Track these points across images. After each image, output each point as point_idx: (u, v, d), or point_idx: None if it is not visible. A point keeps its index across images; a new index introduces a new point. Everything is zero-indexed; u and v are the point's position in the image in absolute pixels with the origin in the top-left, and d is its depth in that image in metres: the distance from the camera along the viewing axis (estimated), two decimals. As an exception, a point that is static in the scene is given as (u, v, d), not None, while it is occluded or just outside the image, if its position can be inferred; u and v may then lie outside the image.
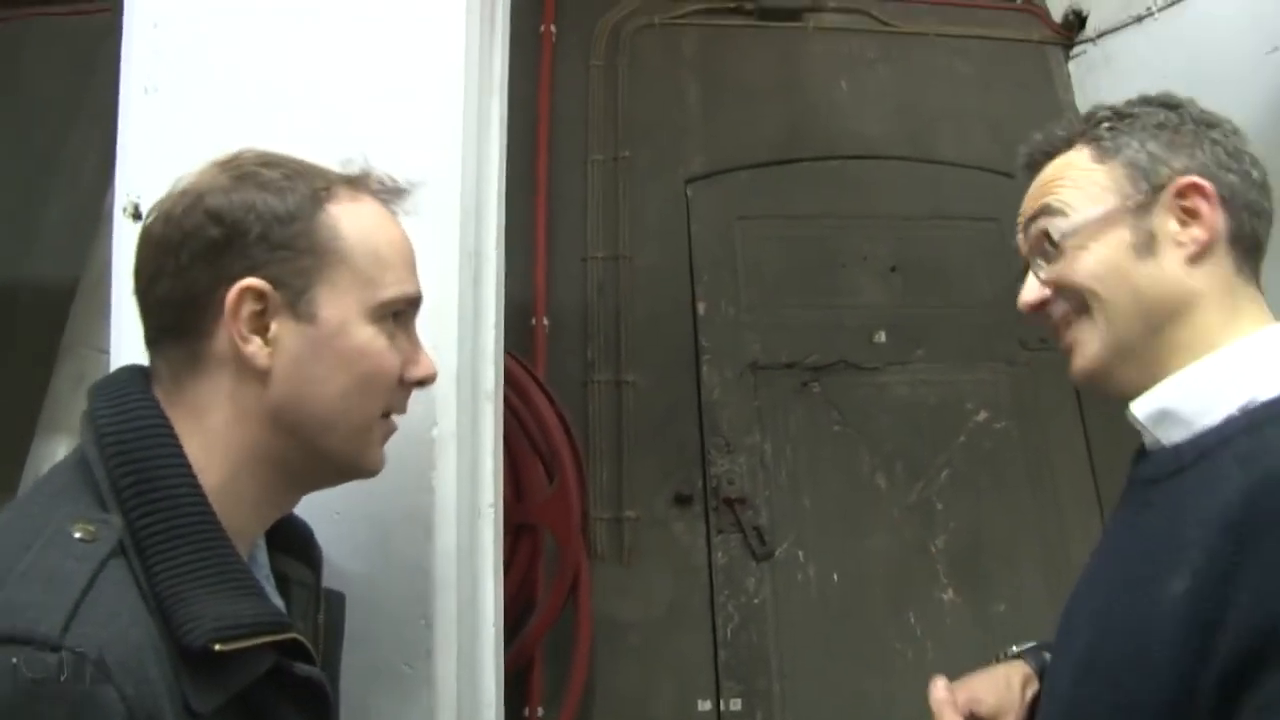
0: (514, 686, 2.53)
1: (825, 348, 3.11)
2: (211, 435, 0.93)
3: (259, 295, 0.92)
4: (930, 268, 3.26)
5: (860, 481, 3.01)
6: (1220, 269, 1.06)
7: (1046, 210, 1.11)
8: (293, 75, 1.35)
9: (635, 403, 3.04)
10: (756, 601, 2.88)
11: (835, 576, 2.91)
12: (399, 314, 1.03)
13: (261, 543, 1.05)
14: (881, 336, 3.14)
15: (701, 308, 3.17)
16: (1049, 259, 1.11)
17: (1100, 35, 3.56)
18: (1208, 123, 1.11)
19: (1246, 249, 1.08)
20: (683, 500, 2.96)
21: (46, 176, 3.20)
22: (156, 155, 1.32)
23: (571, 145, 3.34)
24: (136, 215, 1.30)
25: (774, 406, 3.09)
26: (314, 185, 0.97)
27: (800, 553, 2.92)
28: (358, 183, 1.02)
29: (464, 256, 1.36)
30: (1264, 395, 0.96)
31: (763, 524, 2.92)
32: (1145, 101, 1.14)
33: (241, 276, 0.92)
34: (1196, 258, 1.05)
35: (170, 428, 0.90)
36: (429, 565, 1.26)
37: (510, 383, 2.36)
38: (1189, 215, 1.05)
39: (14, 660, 0.70)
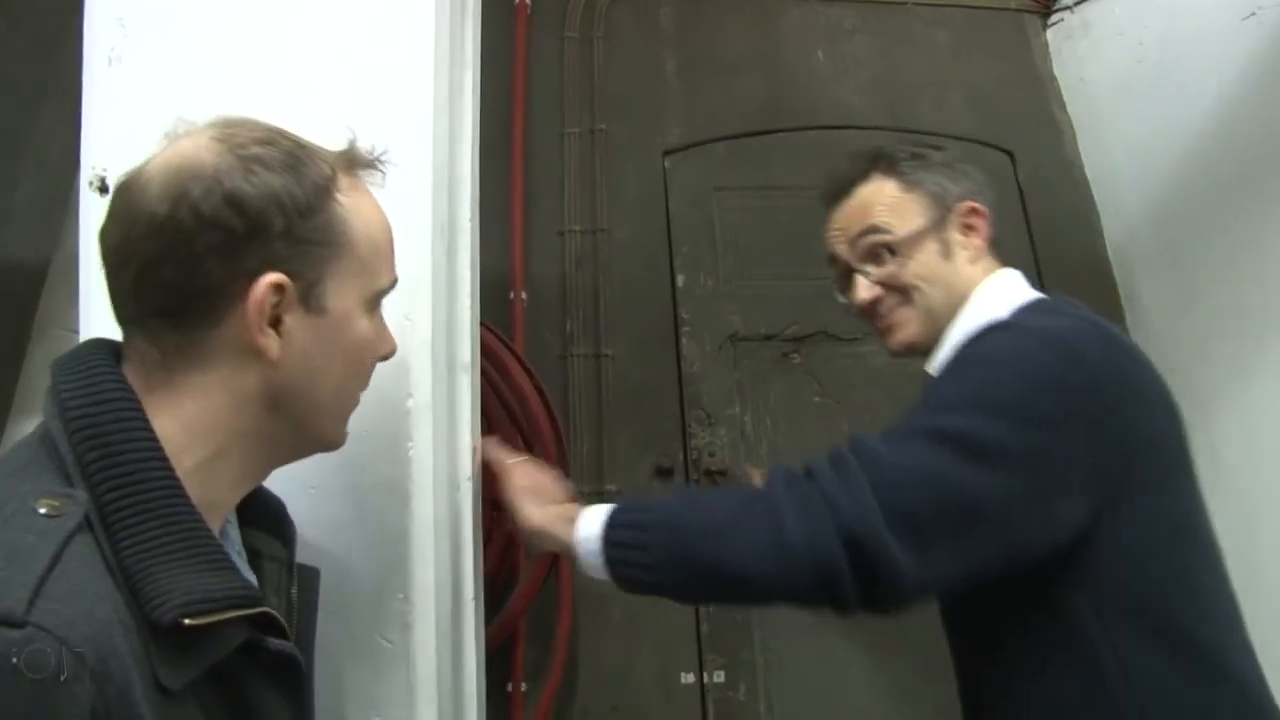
0: (496, 661, 2.53)
1: (805, 319, 3.11)
2: (196, 416, 0.91)
3: (278, 289, 0.91)
4: (909, 237, 3.25)
5: (841, 452, 3.01)
6: (988, 259, 1.49)
7: (876, 229, 1.48)
8: (261, 45, 1.33)
9: (615, 376, 3.04)
10: (739, 573, 2.88)
11: (817, 547, 2.91)
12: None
13: (233, 518, 1.03)
14: (861, 307, 3.13)
15: (680, 280, 3.17)
16: (880, 265, 1.48)
17: (1078, 3, 3.57)
18: (959, 159, 1.55)
19: (994, 241, 1.51)
20: (664, 473, 2.96)
21: (15, 157, 3.15)
22: (122, 127, 1.29)
23: (547, 118, 3.32)
24: (103, 189, 1.28)
25: (754, 378, 3.09)
26: (322, 173, 0.95)
27: (782, 524, 2.92)
28: (350, 164, 1.01)
29: (437, 228, 1.34)
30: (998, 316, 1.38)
31: (744, 496, 2.92)
32: (921, 145, 1.58)
33: (259, 269, 0.89)
34: (977, 258, 1.48)
35: (137, 403, 0.88)
36: (407, 538, 1.25)
37: (488, 356, 2.35)
38: (970, 228, 1.49)
39: None
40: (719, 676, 2.79)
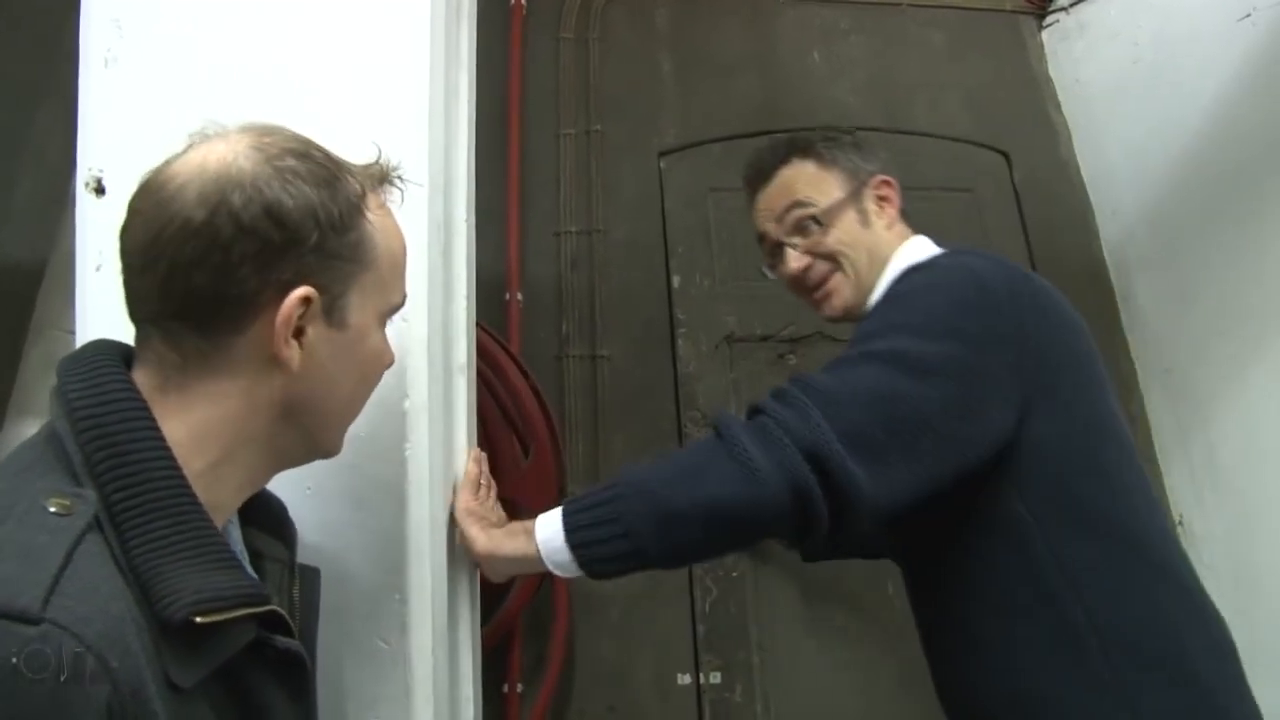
0: (493, 662, 2.53)
1: (801, 320, 3.10)
2: (206, 421, 0.91)
3: (305, 301, 0.91)
4: (905, 238, 3.25)
5: (837, 453, 3.00)
6: (902, 225, 1.67)
7: (800, 204, 1.65)
8: (256, 46, 1.33)
9: (610, 377, 3.03)
10: (735, 575, 2.88)
11: (813, 548, 2.91)
12: None
13: (235, 519, 1.04)
14: (857, 308, 3.14)
15: (676, 281, 3.17)
16: (806, 236, 1.64)
17: (1073, 4, 3.57)
18: (866, 141, 1.78)
19: (903, 210, 1.69)
20: (660, 474, 2.94)
21: (12, 158, 3.14)
22: (118, 128, 1.29)
23: (543, 119, 3.32)
24: (99, 190, 1.27)
25: (750, 379, 3.09)
26: (354, 190, 0.96)
27: (778, 525, 2.92)
28: (376, 181, 1.02)
29: (433, 228, 1.34)
30: (917, 260, 1.54)
31: (740, 497, 2.91)
32: (832, 130, 1.84)
33: (292, 281, 0.90)
34: (892, 224, 1.65)
35: (144, 404, 0.88)
36: (403, 540, 1.25)
37: (484, 357, 2.35)
38: (883, 199, 1.67)
39: None
40: (715, 677, 2.78)
